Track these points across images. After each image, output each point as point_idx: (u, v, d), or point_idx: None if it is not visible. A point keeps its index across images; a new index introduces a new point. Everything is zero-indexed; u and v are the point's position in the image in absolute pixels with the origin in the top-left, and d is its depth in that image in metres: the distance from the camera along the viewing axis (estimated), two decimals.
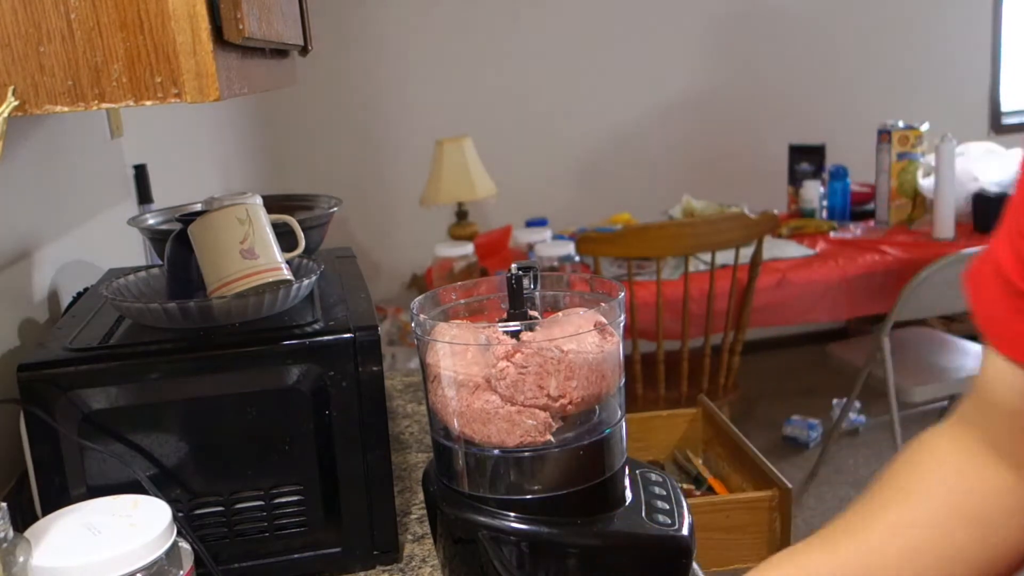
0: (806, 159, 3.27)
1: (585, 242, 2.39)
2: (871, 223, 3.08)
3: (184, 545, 0.70)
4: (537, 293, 0.84)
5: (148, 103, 0.65)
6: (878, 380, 2.71)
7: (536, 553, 0.76)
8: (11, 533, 0.62)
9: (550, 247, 2.66)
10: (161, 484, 0.83)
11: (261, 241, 0.93)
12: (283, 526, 0.88)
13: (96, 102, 0.65)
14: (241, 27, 0.67)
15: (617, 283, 0.83)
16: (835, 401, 3.46)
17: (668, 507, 0.81)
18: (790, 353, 4.13)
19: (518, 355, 0.74)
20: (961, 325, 3.67)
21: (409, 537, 0.97)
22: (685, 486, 1.44)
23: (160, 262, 1.05)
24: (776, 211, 2.51)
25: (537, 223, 3.10)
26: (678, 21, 3.89)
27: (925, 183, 2.97)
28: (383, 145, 3.77)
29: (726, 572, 1.32)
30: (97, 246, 1.40)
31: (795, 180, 3.27)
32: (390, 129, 3.76)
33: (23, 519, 0.84)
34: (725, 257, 2.49)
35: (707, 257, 2.60)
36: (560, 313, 0.83)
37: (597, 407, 0.78)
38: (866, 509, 0.67)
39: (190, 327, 0.87)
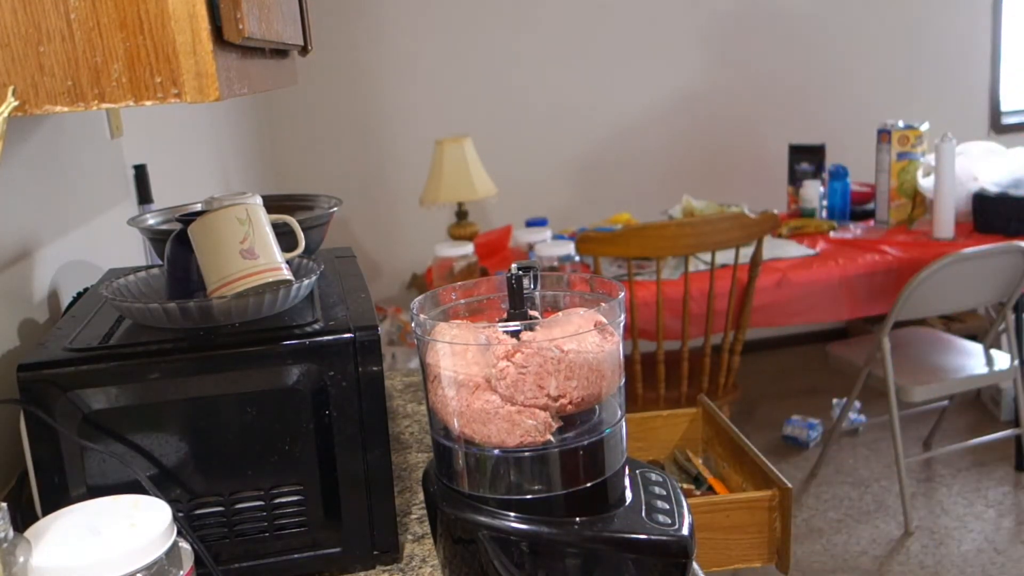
0: (806, 159, 3.28)
1: (585, 242, 2.39)
2: (871, 223, 3.08)
3: (184, 545, 0.70)
4: (537, 293, 0.84)
5: (148, 103, 0.65)
6: (878, 380, 2.71)
7: (536, 553, 0.76)
8: (11, 533, 0.62)
9: (550, 247, 2.65)
10: (161, 484, 0.83)
11: (261, 241, 0.93)
12: (283, 526, 0.88)
13: (96, 102, 0.65)
14: (241, 27, 0.67)
15: (617, 283, 0.83)
16: (835, 401, 3.46)
17: (668, 507, 0.81)
18: (790, 353, 4.13)
19: (518, 355, 0.74)
20: (961, 325, 3.67)
21: (409, 537, 0.97)
22: (685, 486, 1.44)
23: (160, 262, 1.05)
24: (776, 211, 2.51)
25: (537, 223, 3.10)
26: (678, 21, 3.89)
27: (925, 183, 2.97)
28: (383, 145, 3.77)
29: (726, 572, 1.32)
30: (97, 246, 1.40)
31: (795, 180, 3.28)
32: (390, 129, 3.76)
33: (23, 519, 0.84)
34: (725, 257, 2.49)
35: (707, 257, 2.60)
36: (560, 313, 0.82)
37: (597, 407, 0.78)
38: None
39: (190, 327, 0.87)
